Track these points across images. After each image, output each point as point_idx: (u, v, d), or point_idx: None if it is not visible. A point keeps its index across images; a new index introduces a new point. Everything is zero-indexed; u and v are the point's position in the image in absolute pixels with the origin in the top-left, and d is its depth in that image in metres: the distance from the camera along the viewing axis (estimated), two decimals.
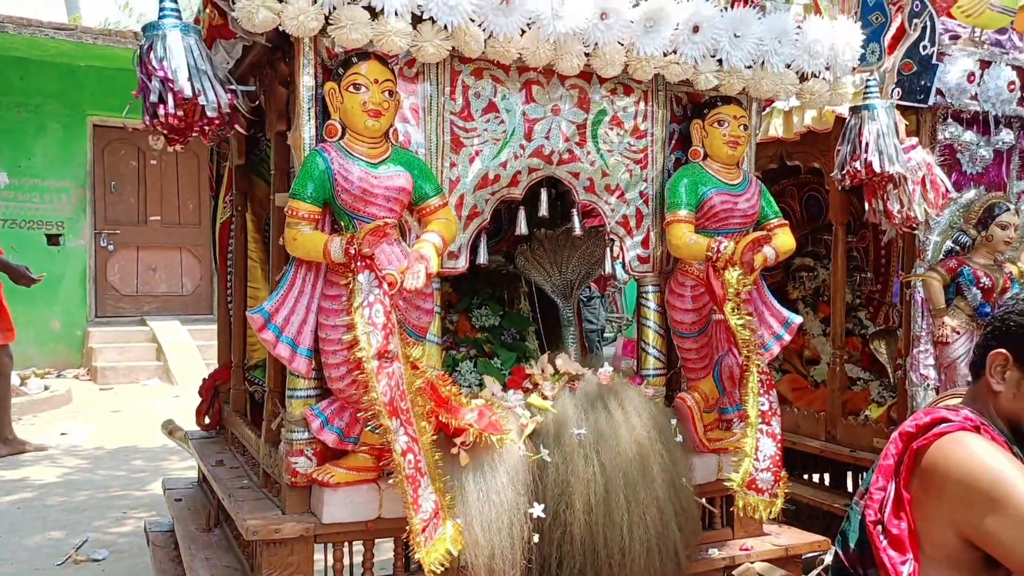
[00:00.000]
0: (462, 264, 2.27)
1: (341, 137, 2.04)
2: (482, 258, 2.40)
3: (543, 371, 2.35)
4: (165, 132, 2.01)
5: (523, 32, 2.13)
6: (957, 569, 1.92)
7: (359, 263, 1.91)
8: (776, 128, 3.32)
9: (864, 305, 4.13)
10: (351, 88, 2.01)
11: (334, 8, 1.95)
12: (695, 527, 2.30)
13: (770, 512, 2.18)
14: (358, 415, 1.98)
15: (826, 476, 3.69)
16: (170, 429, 3.63)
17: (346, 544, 2.15)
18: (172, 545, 2.94)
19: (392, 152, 2.08)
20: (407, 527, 1.87)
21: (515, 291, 3.37)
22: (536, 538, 2.06)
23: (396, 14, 1.99)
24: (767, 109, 3.27)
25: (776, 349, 2.54)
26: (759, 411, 2.21)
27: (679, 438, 2.33)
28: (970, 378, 2.16)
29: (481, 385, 2.37)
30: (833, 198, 3.32)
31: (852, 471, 3.52)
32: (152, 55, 1.91)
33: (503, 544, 1.98)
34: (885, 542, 2.04)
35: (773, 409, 2.23)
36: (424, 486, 1.87)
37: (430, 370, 2.07)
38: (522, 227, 2.46)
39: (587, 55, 2.22)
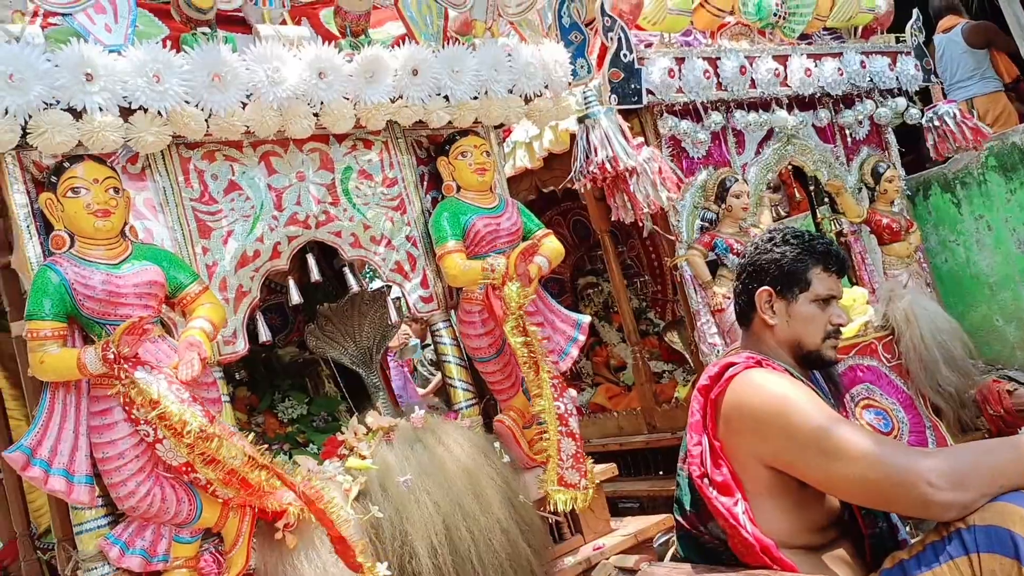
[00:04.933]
0: (241, 347, 2.17)
1: (71, 246, 1.91)
2: (264, 336, 2.31)
3: (356, 434, 2.29)
4: None
5: (244, 105, 2.12)
6: (778, 496, 2.04)
7: (123, 366, 1.78)
8: (522, 159, 3.51)
9: (651, 306, 4.40)
10: (70, 193, 1.89)
11: (29, 116, 1.84)
12: (544, 540, 2.29)
13: (586, 499, 2.28)
14: (162, 526, 1.83)
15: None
16: None
17: None
18: None
19: (133, 249, 1.97)
20: None
21: (317, 375, 3.27)
22: None
23: (101, 110, 1.91)
24: (507, 141, 3.46)
25: (575, 352, 2.63)
26: (556, 415, 2.27)
27: (506, 459, 2.33)
28: (741, 331, 2.35)
29: None
30: (592, 209, 3.54)
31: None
32: None
33: None
34: (714, 491, 2.13)
35: (569, 411, 2.31)
36: None
37: (231, 460, 1.94)
38: (295, 296, 2.40)
39: (316, 115, 2.24)
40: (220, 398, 2.04)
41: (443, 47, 2.49)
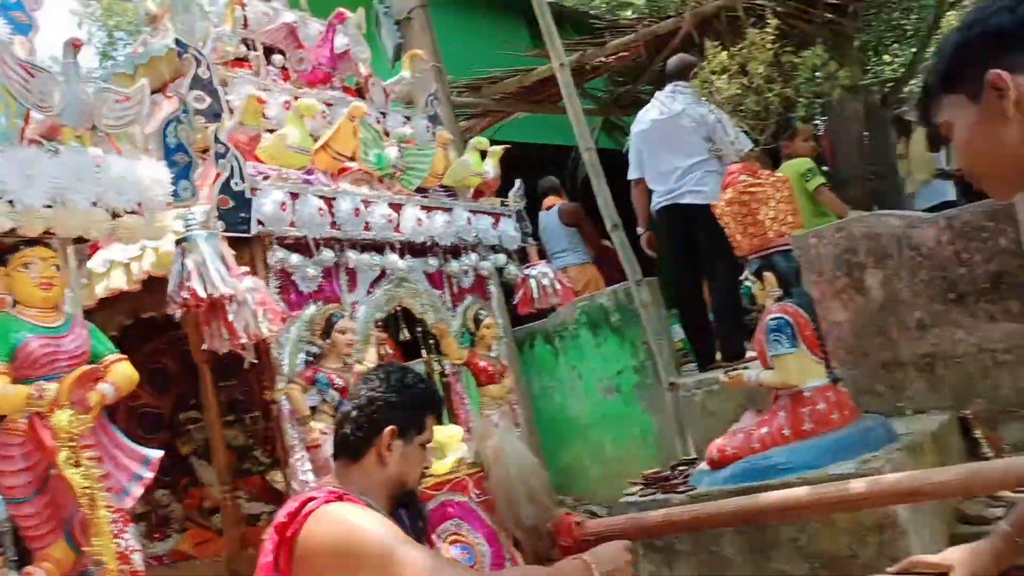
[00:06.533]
0: None
1: None
2: None
3: None
4: None
5: None
6: None
7: None
8: (119, 280, 3.24)
9: (260, 444, 4.21)
10: None
11: None
12: None
13: None
14: None
15: None
16: None
17: None
18: None
19: None
20: None
21: None
22: None
23: None
24: (98, 258, 3.18)
25: (137, 491, 2.38)
26: (116, 553, 2.03)
27: None
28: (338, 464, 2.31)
29: None
30: (191, 338, 3.34)
31: None
32: None
33: None
34: None
35: (131, 547, 2.08)
36: None
37: None
38: None
39: None
40: None
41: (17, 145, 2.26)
